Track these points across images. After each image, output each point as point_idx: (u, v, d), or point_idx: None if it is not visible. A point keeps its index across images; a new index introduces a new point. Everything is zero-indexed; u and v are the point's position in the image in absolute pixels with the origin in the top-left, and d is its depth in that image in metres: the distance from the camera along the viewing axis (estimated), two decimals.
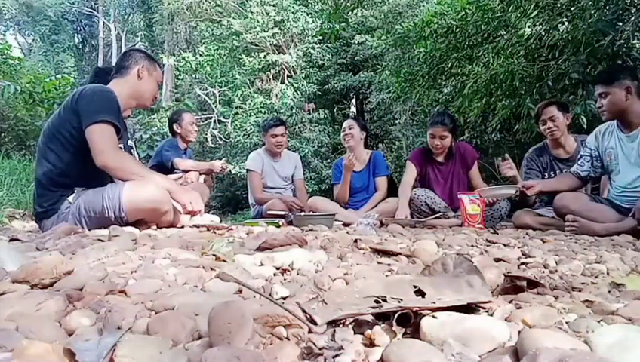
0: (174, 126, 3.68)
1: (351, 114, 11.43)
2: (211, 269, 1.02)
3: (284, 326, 0.62)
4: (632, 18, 3.51)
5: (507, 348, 0.57)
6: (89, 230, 1.85)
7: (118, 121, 1.92)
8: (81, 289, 0.81)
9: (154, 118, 9.65)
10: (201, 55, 10.86)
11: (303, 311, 0.67)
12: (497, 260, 1.24)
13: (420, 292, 0.75)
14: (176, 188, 2.03)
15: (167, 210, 1.97)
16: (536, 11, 3.95)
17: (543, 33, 4.04)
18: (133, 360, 0.53)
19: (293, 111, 9.35)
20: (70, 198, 1.93)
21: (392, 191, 3.43)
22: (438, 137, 3.10)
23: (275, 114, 9.32)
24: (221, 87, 10.58)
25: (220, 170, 3.62)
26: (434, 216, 2.90)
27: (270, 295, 0.81)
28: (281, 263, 1.08)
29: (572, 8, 3.85)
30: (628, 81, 2.28)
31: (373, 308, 0.67)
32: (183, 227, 2.06)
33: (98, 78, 2.61)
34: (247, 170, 3.82)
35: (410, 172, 3.22)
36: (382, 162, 3.57)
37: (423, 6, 7.78)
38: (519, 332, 0.62)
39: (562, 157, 2.91)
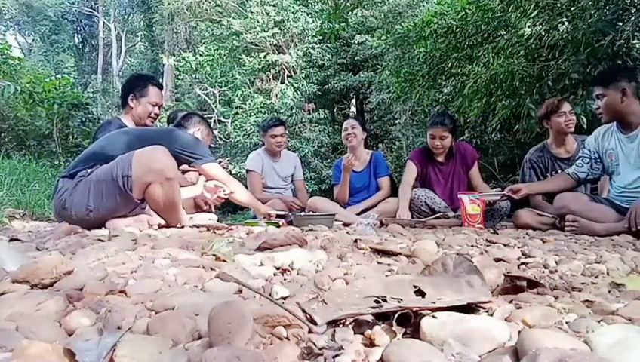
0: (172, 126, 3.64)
1: (351, 114, 11.42)
2: (211, 269, 1.02)
3: (284, 326, 0.62)
4: (632, 18, 3.51)
5: (507, 348, 0.57)
6: (93, 203, 1.95)
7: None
8: (81, 289, 0.81)
9: None
10: (201, 55, 10.86)
11: (303, 311, 0.67)
12: (497, 260, 1.24)
13: (420, 292, 0.75)
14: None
15: (173, 177, 2.04)
16: (536, 11, 3.95)
17: (543, 33, 4.04)
18: (133, 360, 0.53)
19: (293, 111, 9.35)
20: (90, 170, 2.03)
21: (393, 191, 3.43)
22: (438, 138, 3.11)
23: (275, 114, 9.30)
24: (221, 87, 10.58)
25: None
26: (434, 216, 2.90)
27: (270, 295, 0.81)
28: (281, 263, 1.08)
29: (572, 8, 3.85)
30: (624, 83, 2.28)
31: (373, 308, 0.67)
32: (183, 227, 2.06)
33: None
34: (247, 171, 3.82)
35: (411, 171, 3.22)
36: (383, 162, 3.59)
37: (423, 6, 7.77)
38: (519, 332, 0.62)
39: (563, 157, 2.92)
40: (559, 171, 2.86)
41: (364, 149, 3.64)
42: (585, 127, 3.37)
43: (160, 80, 14.93)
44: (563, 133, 2.91)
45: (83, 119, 7.83)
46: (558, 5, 3.85)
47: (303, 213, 3.02)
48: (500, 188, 3.05)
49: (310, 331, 0.62)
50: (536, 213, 2.67)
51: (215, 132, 10.51)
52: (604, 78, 2.38)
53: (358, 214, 3.09)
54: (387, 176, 3.52)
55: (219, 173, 2.37)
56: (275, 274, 1.03)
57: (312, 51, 9.71)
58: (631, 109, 2.30)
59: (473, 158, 3.23)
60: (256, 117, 9.31)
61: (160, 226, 2.06)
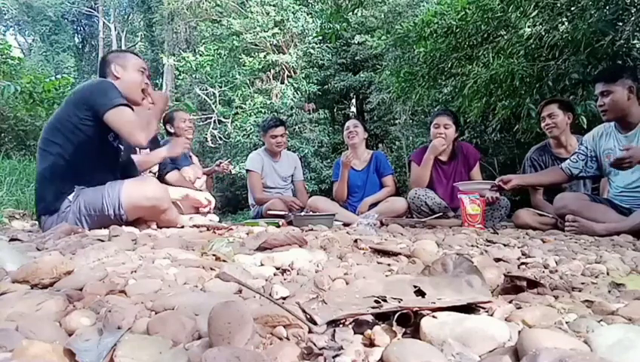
0: (167, 127, 3.66)
1: (351, 114, 11.44)
2: (211, 269, 1.02)
3: (284, 326, 0.62)
4: (632, 18, 3.51)
5: (507, 348, 0.57)
6: (89, 229, 1.85)
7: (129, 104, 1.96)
8: (81, 289, 0.81)
9: None
10: (201, 55, 10.87)
11: (303, 311, 0.67)
12: (497, 260, 1.24)
13: (420, 292, 0.75)
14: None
15: (167, 208, 1.99)
16: (536, 11, 3.95)
17: (543, 33, 4.04)
18: (133, 360, 0.53)
19: (293, 111, 9.36)
20: (70, 197, 1.93)
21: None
22: (442, 126, 3.10)
23: (275, 114, 9.31)
24: (221, 87, 10.59)
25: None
26: (434, 216, 2.90)
27: (270, 295, 0.81)
28: (281, 263, 1.08)
29: (572, 8, 3.85)
30: (630, 81, 2.28)
31: (373, 308, 0.67)
32: (183, 227, 2.06)
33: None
34: (247, 171, 3.81)
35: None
36: (386, 162, 3.61)
37: (423, 6, 7.78)
38: (519, 332, 0.62)
39: (564, 157, 2.89)
40: None
41: (365, 149, 3.65)
42: (585, 126, 3.37)
43: (160, 80, 14.96)
44: (551, 137, 2.93)
45: None
46: (558, 5, 3.86)
47: (303, 213, 3.03)
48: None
49: (310, 331, 0.62)
50: (536, 213, 2.67)
51: (215, 132, 10.53)
52: (611, 75, 2.37)
53: (370, 207, 3.17)
54: (391, 174, 3.55)
55: (128, 120, 1.89)
56: (275, 274, 1.03)
57: (312, 51, 9.73)
58: (633, 109, 2.30)
59: (475, 158, 3.25)
60: (256, 117, 9.32)
61: (159, 226, 2.06)
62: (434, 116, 3.24)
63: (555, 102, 2.93)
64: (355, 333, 0.63)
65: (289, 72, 9.91)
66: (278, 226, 2.32)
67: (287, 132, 3.88)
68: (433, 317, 0.63)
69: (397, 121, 8.90)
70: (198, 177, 3.52)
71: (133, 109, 1.95)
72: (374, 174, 3.54)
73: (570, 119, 2.87)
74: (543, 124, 2.91)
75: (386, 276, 1.01)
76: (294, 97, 9.49)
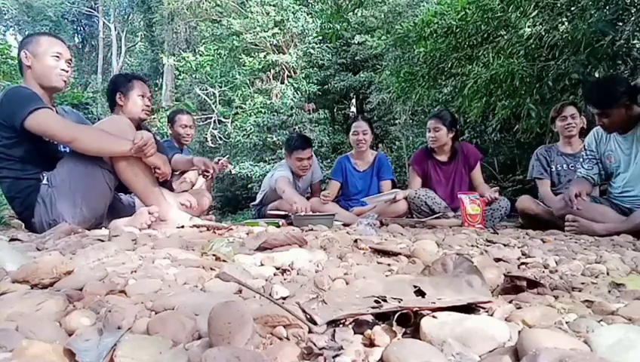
0: (168, 125, 3.65)
1: (351, 114, 11.43)
2: (211, 269, 1.02)
3: (284, 326, 0.62)
4: (632, 18, 3.51)
5: (507, 348, 0.57)
6: (81, 198, 1.90)
7: (45, 105, 1.91)
8: (81, 289, 0.81)
9: (154, 118, 9.73)
10: (201, 55, 10.86)
11: (303, 311, 0.67)
12: (497, 260, 1.24)
13: (420, 292, 0.75)
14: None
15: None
16: (536, 11, 3.96)
17: (543, 33, 4.04)
18: (133, 360, 0.53)
19: (293, 111, 9.35)
20: (44, 181, 1.92)
21: None
22: (433, 129, 3.19)
23: (275, 114, 9.32)
24: (221, 87, 10.58)
25: (215, 170, 3.52)
26: (434, 216, 2.90)
27: (270, 295, 0.81)
28: (281, 263, 1.08)
29: (572, 8, 3.86)
30: (625, 98, 2.25)
31: (373, 308, 0.67)
32: (183, 227, 2.05)
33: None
34: (279, 178, 3.32)
35: (415, 180, 3.30)
36: (387, 165, 3.55)
37: (423, 6, 7.78)
38: (519, 332, 0.61)
39: (568, 153, 3.04)
40: (564, 165, 2.98)
41: (369, 150, 3.60)
42: (585, 126, 3.38)
43: (160, 80, 14.94)
44: (566, 137, 3.02)
45: None
46: (558, 5, 3.86)
47: (303, 213, 3.02)
48: (498, 188, 3.09)
49: (310, 331, 0.62)
50: (537, 202, 2.78)
51: (215, 132, 10.53)
52: (607, 101, 2.29)
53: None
54: (390, 180, 3.47)
55: (46, 123, 1.83)
56: (275, 274, 1.03)
57: (312, 51, 9.73)
58: (631, 115, 2.31)
59: (476, 158, 3.25)
60: (256, 117, 9.32)
61: (159, 219, 2.03)
62: (428, 118, 3.37)
63: (574, 104, 3.05)
64: (355, 333, 0.63)
65: (289, 72, 9.91)
66: (278, 226, 2.32)
67: (312, 153, 3.48)
68: (433, 317, 0.63)
69: (397, 121, 8.90)
70: (196, 172, 3.44)
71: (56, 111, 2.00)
72: (376, 178, 3.50)
73: (581, 123, 3.02)
74: (562, 123, 2.98)
75: (386, 276, 1.01)
76: (294, 97, 9.49)
